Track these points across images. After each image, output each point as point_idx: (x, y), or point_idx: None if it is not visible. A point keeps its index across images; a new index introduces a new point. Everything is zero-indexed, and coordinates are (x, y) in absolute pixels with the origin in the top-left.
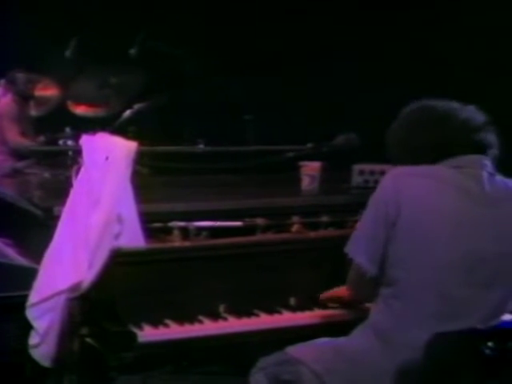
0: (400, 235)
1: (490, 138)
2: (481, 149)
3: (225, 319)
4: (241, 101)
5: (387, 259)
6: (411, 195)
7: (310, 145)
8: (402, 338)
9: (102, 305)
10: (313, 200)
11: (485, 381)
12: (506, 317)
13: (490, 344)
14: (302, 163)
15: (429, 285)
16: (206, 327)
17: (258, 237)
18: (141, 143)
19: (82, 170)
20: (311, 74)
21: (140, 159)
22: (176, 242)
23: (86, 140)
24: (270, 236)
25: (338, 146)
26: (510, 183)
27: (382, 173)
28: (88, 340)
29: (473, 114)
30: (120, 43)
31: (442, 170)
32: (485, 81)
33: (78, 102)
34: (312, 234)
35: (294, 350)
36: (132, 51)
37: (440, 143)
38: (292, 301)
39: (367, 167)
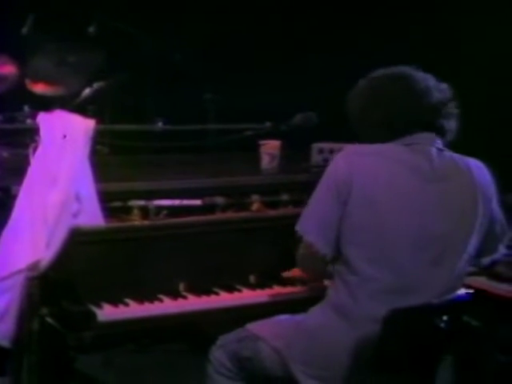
0: (352, 213)
1: (451, 118)
2: (438, 129)
3: (184, 297)
4: (201, 79)
5: (341, 237)
6: (362, 174)
7: (268, 124)
8: (359, 312)
9: (61, 284)
10: (272, 178)
11: (440, 354)
12: (460, 291)
13: (444, 318)
14: (261, 142)
15: (382, 261)
16: (166, 306)
17: (218, 215)
18: (100, 122)
19: (40, 148)
20: (271, 53)
21: (99, 138)
22: (136, 220)
23: (43, 118)
24: (229, 215)
25: (296, 124)
26: (459, 159)
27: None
28: (47, 320)
29: (442, 92)
30: (78, 21)
31: (392, 148)
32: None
33: (36, 80)
34: (272, 213)
35: (254, 327)
36: (90, 29)
37: (402, 120)
38: (252, 278)
39: (326, 146)
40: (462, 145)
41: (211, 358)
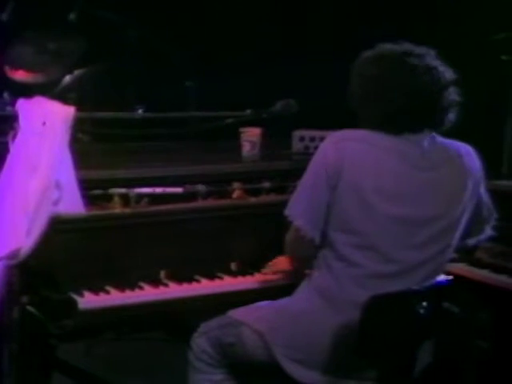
0: (341, 198)
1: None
2: (437, 124)
3: (166, 285)
4: (182, 67)
5: (329, 222)
6: (351, 160)
7: (249, 111)
8: (343, 297)
9: (42, 272)
10: (253, 166)
11: (420, 340)
12: (440, 277)
13: (424, 304)
14: (242, 129)
15: (369, 248)
16: (147, 293)
17: (199, 203)
18: (80, 109)
19: (19, 135)
20: (252, 41)
21: (80, 126)
22: (116, 208)
23: (22, 105)
24: (210, 202)
25: (277, 111)
26: (450, 144)
27: (322, 139)
28: (28, 308)
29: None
30: (59, 8)
31: (380, 135)
32: None
33: (16, 67)
34: (253, 200)
35: (236, 313)
36: (71, 16)
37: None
38: (233, 266)
39: (307, 133)
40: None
41: (193, 344)
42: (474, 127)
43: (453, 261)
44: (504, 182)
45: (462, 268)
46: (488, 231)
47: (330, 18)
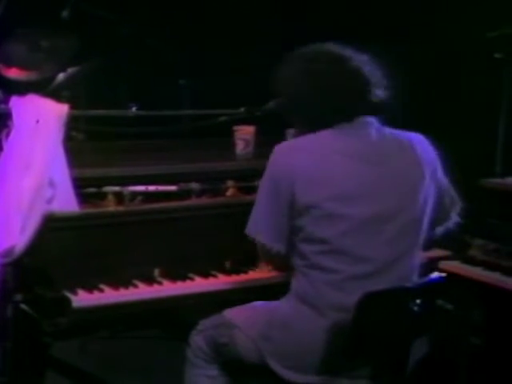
0: (299, 213)
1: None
2: (375, 110)
3: (160, 283)
4: (176, 65)
5: (292, 233)
6: (302, 174)
7: (242, 109)
8: (324, 301)
9: (36, 270)
10: (247, 164)
11: (413, 337)
12: (433, 274)
13: (418, 301)
14: (235, 127)
15: (339, 251)
16: (141, 291)
17: (193, 201)
18: (74, 107)
19: (13, 133)
20: (245, 38)
21: (74, 124)
22: (110, 206)
23: (15, 103)
24: (204, 200)
25: (270, 109)
26: (400, 135)
27: None
28: (22, 306)
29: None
30: (52, 5)
31: (327, 139)
32: None
33: (9, 64)
34: (247, 198)
35: (230, 314)
36: (64, 14)
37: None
38: (227, 264)
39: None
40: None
41: (190, 341)
42: (468, 125)
43: (447, 258)
44: (497, 181)
45: (455, 265)
46: (454, 217)
47: (330, 18)
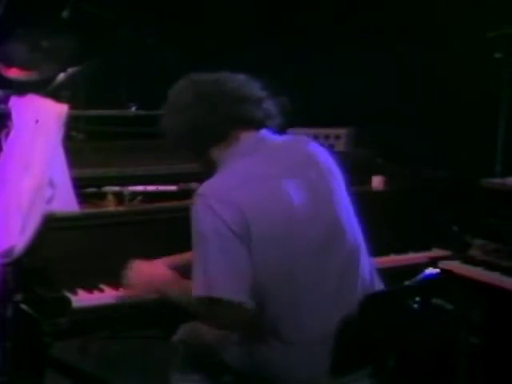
0: (259, 257)
1: (270, 107)
2: (261, 122)
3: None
4: (176, 65)
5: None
6: (244, 209)
7: None
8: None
9: (36, 270)
10: None
11: (412, 335)
12: (428, 269)
13: (417, 299)
14: None
15: (289, 296)
16: None
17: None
18: (73, 107)
19: (12, 133)
20: (245, 38)
21: (74, 124)
22: (110, 206)
23: (15, 102)
24: None
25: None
26: (297, 142)
27: (316, 137)
28: (22, 306)
29: (244, 84)
30: (52, 5)
31: (246, 170)
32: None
33: (9, 64)
34: None
35: (213, 334)
36: (64, 14)
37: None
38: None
39: (301, 131)
40: None
41: (173, 346)
42: (468, 125)
43: (447, 258)
44: (497, 180)
45: (455, 265)
46: None
47: (330, 18)
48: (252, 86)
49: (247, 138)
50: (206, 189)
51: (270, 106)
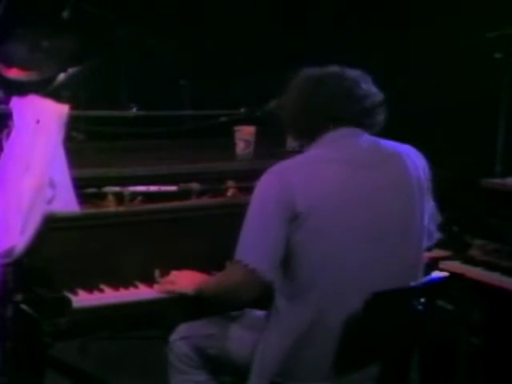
0: (305, 239)
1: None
2: (364, 125)
3: (160, 283)
4: (176, 65)
5: (299, 266)
6: (303, 189)
7: (243, 109)
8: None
9: (36, 270)
10: (248, 164)
11: (417, 335)
12: (434, 273)
13: (422, 300)
14: (236, 127)
15: (348, 280)
16: (141, 292)
17: (193, 201)
18: (74, 107)
19: (13, 133)
20: (248, 39)
21: (74, 124)
22: (110, 207)
23: (16, 103)
24: (204, 200)
25: (271, 110)
26: (390, 146)
27: None
28: (22, 306)
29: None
30: (52, 5)
31: (320, 155)
32: None
33: (9, 65)
34: (247, 198)
35: (219, 324)
36: (65, 14)
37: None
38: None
39: None
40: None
41: (173, 346)
42: (468, 125)
43: (447, 258)
44: (497, 181)
45: (455, 265)
46: (437, 235)
47: (330, 19)
48: (361, 85)
49: (335, 131)
50: (274, 167)
51: (371, 106)
